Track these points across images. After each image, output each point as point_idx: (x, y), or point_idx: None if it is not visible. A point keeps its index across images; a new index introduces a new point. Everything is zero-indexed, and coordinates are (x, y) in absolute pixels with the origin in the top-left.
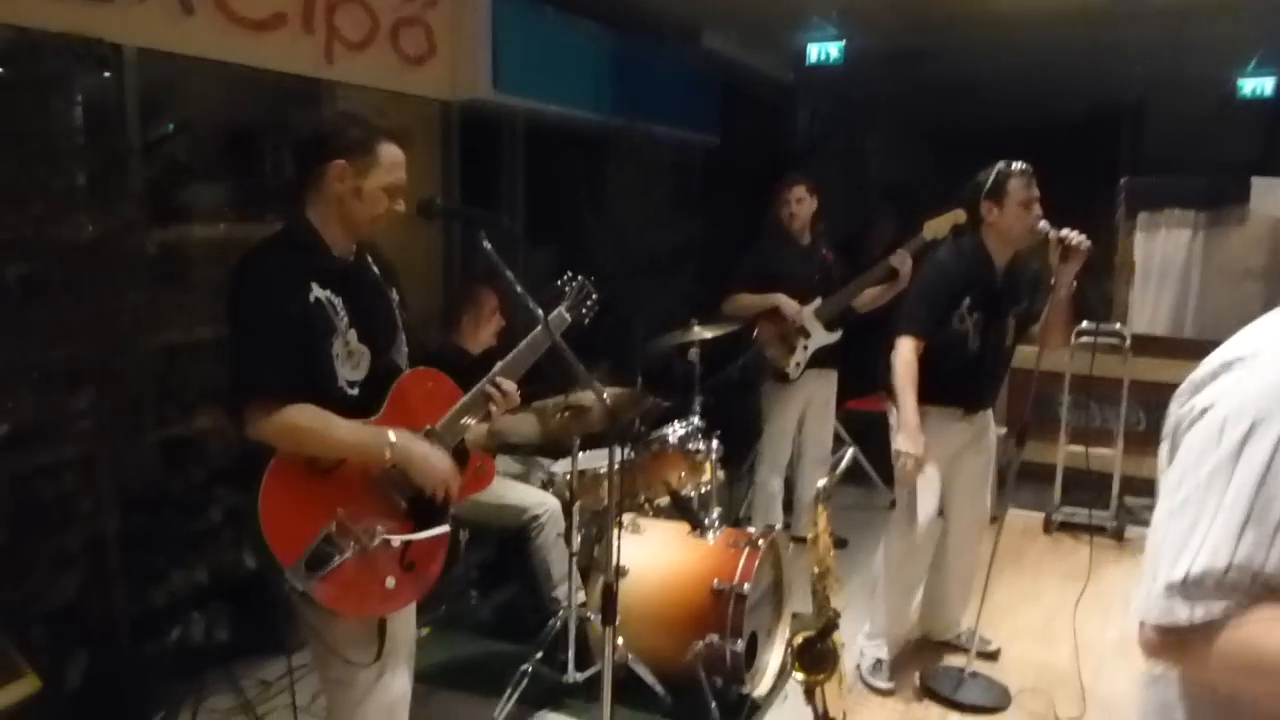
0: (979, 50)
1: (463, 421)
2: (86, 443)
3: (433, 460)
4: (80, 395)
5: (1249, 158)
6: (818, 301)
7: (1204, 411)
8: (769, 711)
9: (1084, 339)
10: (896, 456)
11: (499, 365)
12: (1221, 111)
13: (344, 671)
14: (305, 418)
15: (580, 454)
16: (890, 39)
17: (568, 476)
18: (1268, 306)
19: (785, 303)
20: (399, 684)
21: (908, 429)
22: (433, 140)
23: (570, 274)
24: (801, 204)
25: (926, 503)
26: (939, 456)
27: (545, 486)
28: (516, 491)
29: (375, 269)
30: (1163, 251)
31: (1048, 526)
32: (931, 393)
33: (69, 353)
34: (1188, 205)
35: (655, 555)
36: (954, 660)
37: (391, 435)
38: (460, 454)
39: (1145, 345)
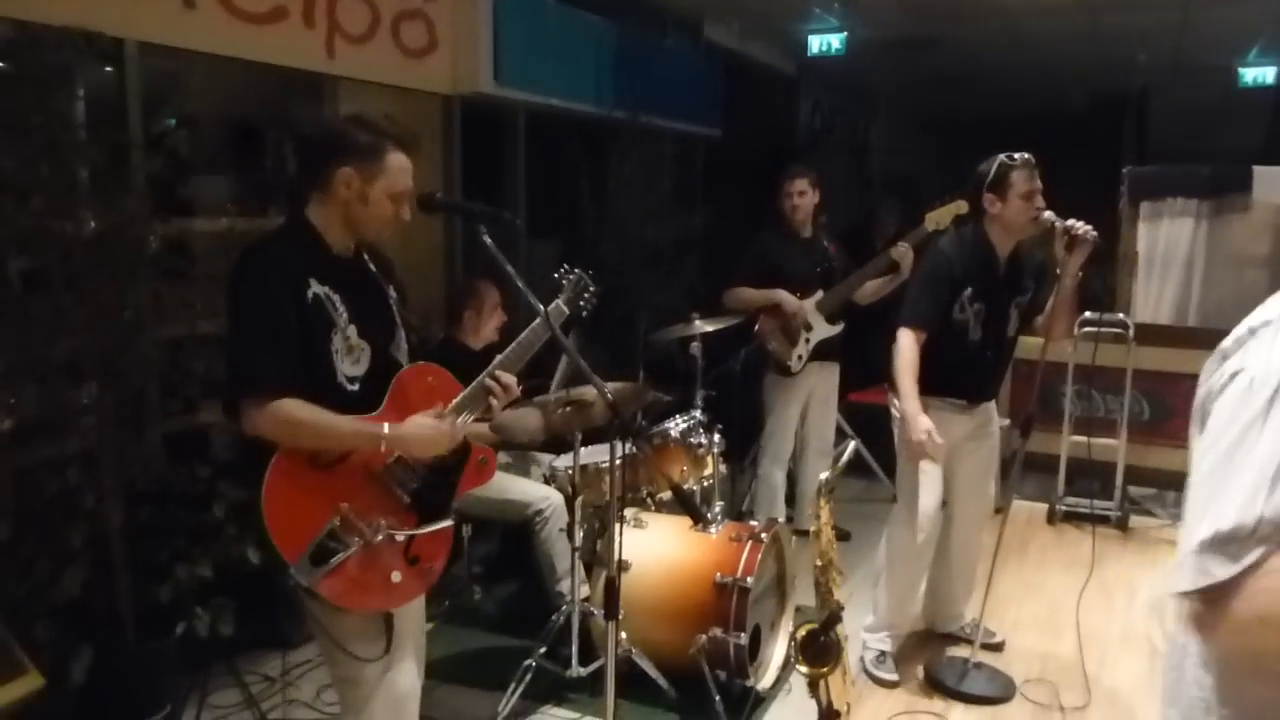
0: (981, 40)
1: (463, 415)
2: (90, 437)
3: (423, 426)
4: (83, 390)
5: (1252, 146)
6: (819, 294)
7: (1233, 376)
8: (773, 705)
9: (1087, 329)
10: (901, 449)
11: (498, 358)
12: (1224, 101)
13: (351, 667)
14: (302, 412)
15: (582, 449)
16: (892, 30)
17: (569, 471)
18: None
19: (786, 299)
20: (407, 679)
21: (909, 418)
22: (434, 134)
23: (567, 266)
24: (804, 197)
25: (929, 495)
26: (943, 447)
27: (547, 481)
28: (519, 486)
29: (372, 266)
30: (1166, 241)
31: (1051, 517)
32: (934, 384)
33: (72, 347)
34: (1191, 194)
35: (658, 549)
36: (958, 652)
37: (385, 428)
38: (462, 448)
39: (1149, 335)
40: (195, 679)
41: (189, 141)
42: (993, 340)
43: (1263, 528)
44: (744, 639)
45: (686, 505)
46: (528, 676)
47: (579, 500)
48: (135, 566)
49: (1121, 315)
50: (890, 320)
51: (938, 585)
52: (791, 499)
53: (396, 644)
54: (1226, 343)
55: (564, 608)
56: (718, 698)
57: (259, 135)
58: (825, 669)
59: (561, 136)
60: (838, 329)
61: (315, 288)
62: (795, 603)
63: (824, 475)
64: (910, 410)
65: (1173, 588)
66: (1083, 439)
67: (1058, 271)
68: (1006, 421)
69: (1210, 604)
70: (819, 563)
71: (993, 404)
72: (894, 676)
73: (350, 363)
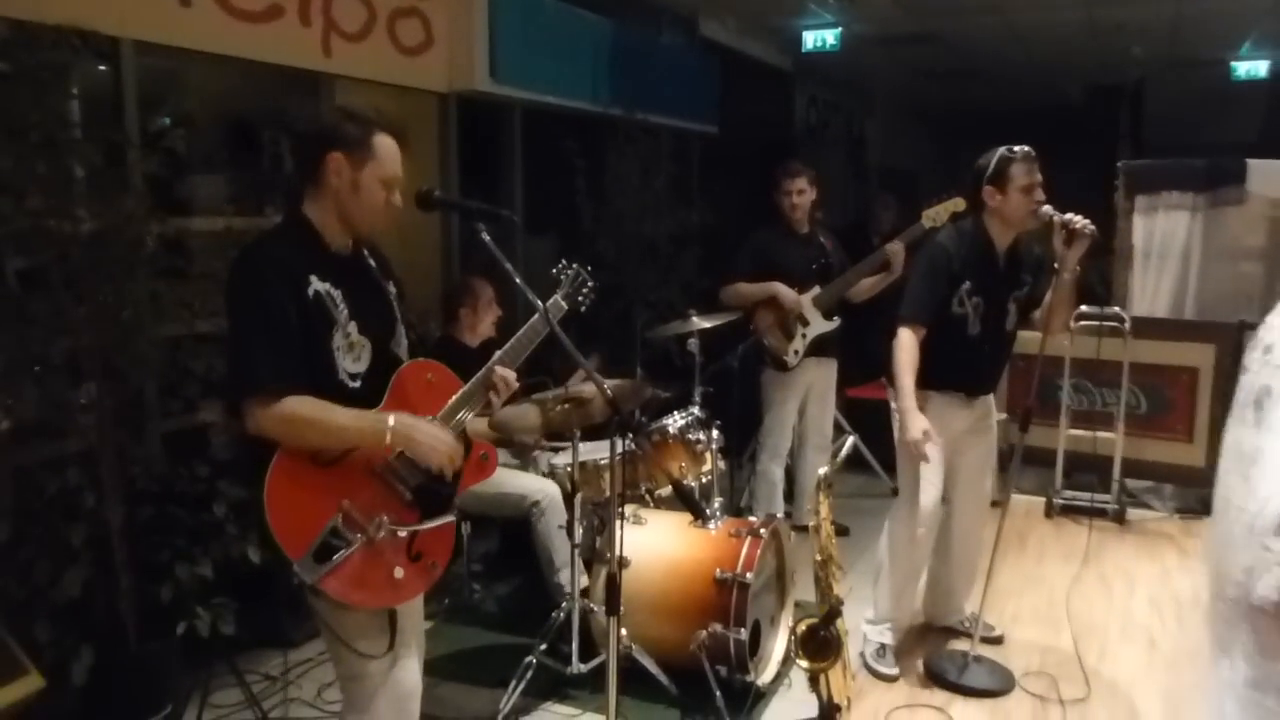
0: (977, 35)
1: (463, 412)
2: (89, 437)
3: (434, 435)
4: (82, 389)
5: (1246, 139)
6: (816, 289)
7: None
8: (773, 699)
9: (1084, 323)
10: (900, 446)
11: (497, 354)
12: (1219, 94)
13: (356, 664)
14: (305, 409)
15: (580, 445)
16: (887, 25)
17: (568, 468)
18: (1268, 287)
19: (783, 291)
20: (411, 675)
21: (907, 415)
22: (431, 132)
23: (565, 262)
24: (803, 196)
25: (929, 489)
26: (941, 441)
27: (546, 476)
28: (516, 480)
29: (371, 262)
30: (1162, 234)
31: (1049, 510)
32: (933, 378)
33: (71, 347)
34: (1186, 188)
35: (657, 545)
36: (958, 645)
37: (390, 419)
38: (463, 443)
39: (1145, 328)
40: (196, 679)
41: (186, 140)
42: (992, 334)
43: None
44: (744, 634)
45: (687, 501)
46: (528, 673)
47: (578, 497)
48: (136, 566)
49: (1118, 309)
50: (887, 316)
51: (937, 579)
52: (790, 494)
53: (400, 640)
54: (1271, 337)
55: (564, 605)
56: (718, 693)
57: (255, 134)
58: (826, 663)
59: (558, 133)
60: (834, 324)
61: (316, 285)
62: (795, 598)
63: (823, 470)
64: (907, 409)
65: (1263, 598)
66: (1080, 432)
67: (1055, 265)
68: (1003, 415)
69: None
70: (819, 558)
71: (991, 397)
72: (894, 670)
73: (351, 360)
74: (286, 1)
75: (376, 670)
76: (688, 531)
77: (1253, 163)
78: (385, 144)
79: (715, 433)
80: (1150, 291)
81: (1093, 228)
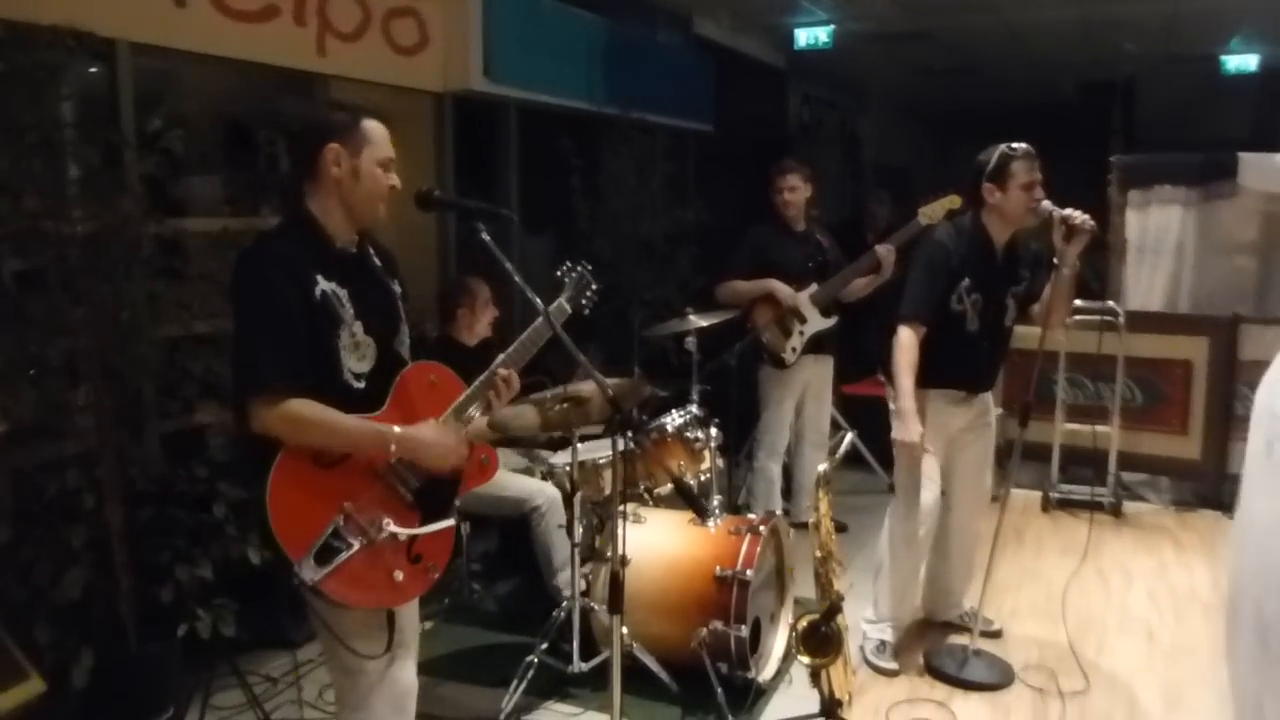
0: (970, 32)
1: (467, 413)
2: (88, 439)
3: (440, 439)
4: (80, 390)
5: (1238, 134)
6: (813, 287)
7: None
8: (774, 696)
9: (1078, 317)
10: (897, 446)
11: (501, 357)
12: (1210, 89)
13: (353, 663)
14: (311, 410)
15: (579, 445)
16: (881, 22)
17: (567, 468)
18: (1261, 280)
19: (779, 288)
20: (408, 675)
21: (903, 417)
22: (426, 132)
23: (569, 264)
24: (795, 192)
25: (929, 485)
26: (940, 438)
27: (545, 478)
28: (515, 482)
29: (377, 261)
30: (1155, 228)
31: (1045, 505)
32: (932, 375)
33: (68, 348)
34: (1179, 182)
35: (657, 544)
36: (957, 640)
37: (396, 429)
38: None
39: (1140, 322)
40: (198, 680)
41: (182, 141)
42: (990, 330)
43: None
44: (744, 631)
45: (689, 498)
46: (530, 673)
47: (577, 496)
48: (136, 568)
49: (1112, 303)
50: (883, 313)
51: (937, 574)
52: (787, 492)
53: (398, 640)
54: None
55: (564, 604)
56: (719, 690)
57: (251, 134)
58: (827, 659)
59: (553, 133)
60: (831, 322)
61: (322, 284)
62: (794, 595)
63: (822, 467)
64: (905, 410)
65: None
66: (1075, 426)
67: (1054, 261)
68: (999, 411)
69: None
70: (819, 554)
71: (989, 394)
72: (895, 666)
73: (356, 359)
74: (282, 1)
75: (373, 669)
76: (687, 529)
77: (1245, 156)
78: (375, 128)
79: (714, 431)
80: (1144, 286)
81: (1092, 223)
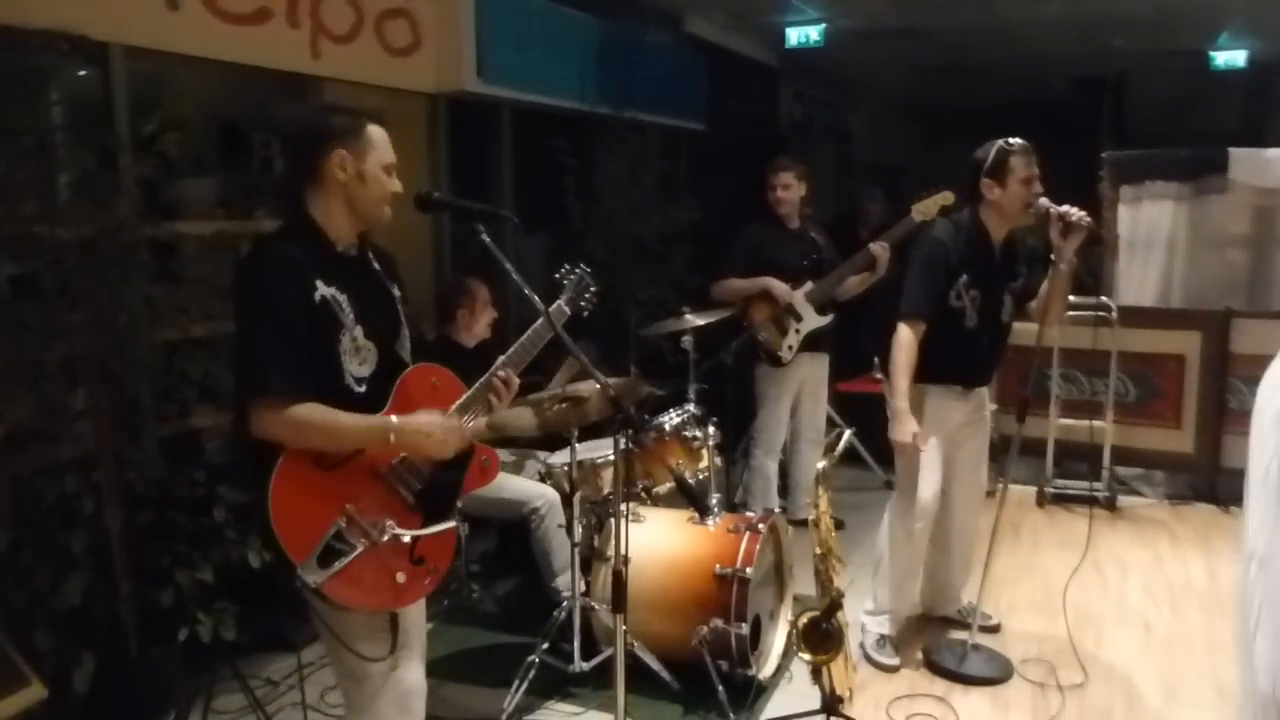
0: (961, 29)
1: (468, 415)
2: (87, 443)
3: (440, 424)
4: (78, 395)
5: (1228, 129)
6: (809, 285)
7: None
8: (775, 692)
9: (1072, 313)
10: (895, 444)
11: (501, 359)
12: (1200, 84)
13: (358, 666)
14: (312, 414)
15: (577, 444)
16: (872, 20)
17: (566, 468)
18: (1252, 274)
19: (775, 285)
20: (413, 676)
21: (898, 416)
22: (420, 133)
23: (568, 266)
24: (789, 190)
25: (929, 480)
26: (939, 434)
27: (543, 479)
28: (514, 484)
29: (376, 265)
30: (1147, 224)
31: (1041, 500)
32: (930, 371)
33: (65, 353)
34: (1170, 177)
35: (657, 543)
36: (957, 635)
37: (395, 419)
38: (465, 448)
39: (1133, 316)
40: (199, 684)
41: (177, 144)
42: (989, 327)
43: None
44: (745, 629)
45: (689, 496)
46: (531, 672)
47: (577, 496)
48: (136, 572)
49: (1105, 298)
50: (879, 311)
51: (935, 569)
52: (784, 489)
53: (402, 641)
54: None
55: (564, 603)
56: (720, 688)
57: (246, 137)
58: (828, 656)
59: (547, 133)
60: (827, 320)
61: (323, 289)
62: (793, 592)
63: (821, 464)
64: (899, 409)
65: None
66: (1070, 421)
67: (1051, 257)
68: (994, 406)
69: None
70: (819, 551)
71: (985, 390)
72: (895, 661)
73: (357, 363)
74: (275, 4)
75: (378, 672)
76: (686, 528)
77: (1235, 151)
78: (378, 132)
79: (711, 429)
80: (1136, 280)
81: (1089, 219)
